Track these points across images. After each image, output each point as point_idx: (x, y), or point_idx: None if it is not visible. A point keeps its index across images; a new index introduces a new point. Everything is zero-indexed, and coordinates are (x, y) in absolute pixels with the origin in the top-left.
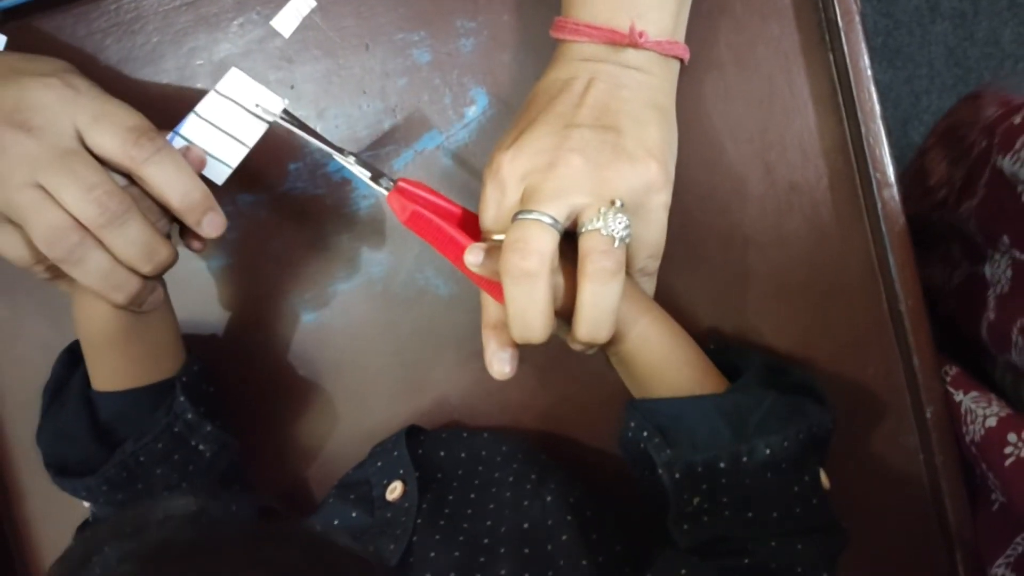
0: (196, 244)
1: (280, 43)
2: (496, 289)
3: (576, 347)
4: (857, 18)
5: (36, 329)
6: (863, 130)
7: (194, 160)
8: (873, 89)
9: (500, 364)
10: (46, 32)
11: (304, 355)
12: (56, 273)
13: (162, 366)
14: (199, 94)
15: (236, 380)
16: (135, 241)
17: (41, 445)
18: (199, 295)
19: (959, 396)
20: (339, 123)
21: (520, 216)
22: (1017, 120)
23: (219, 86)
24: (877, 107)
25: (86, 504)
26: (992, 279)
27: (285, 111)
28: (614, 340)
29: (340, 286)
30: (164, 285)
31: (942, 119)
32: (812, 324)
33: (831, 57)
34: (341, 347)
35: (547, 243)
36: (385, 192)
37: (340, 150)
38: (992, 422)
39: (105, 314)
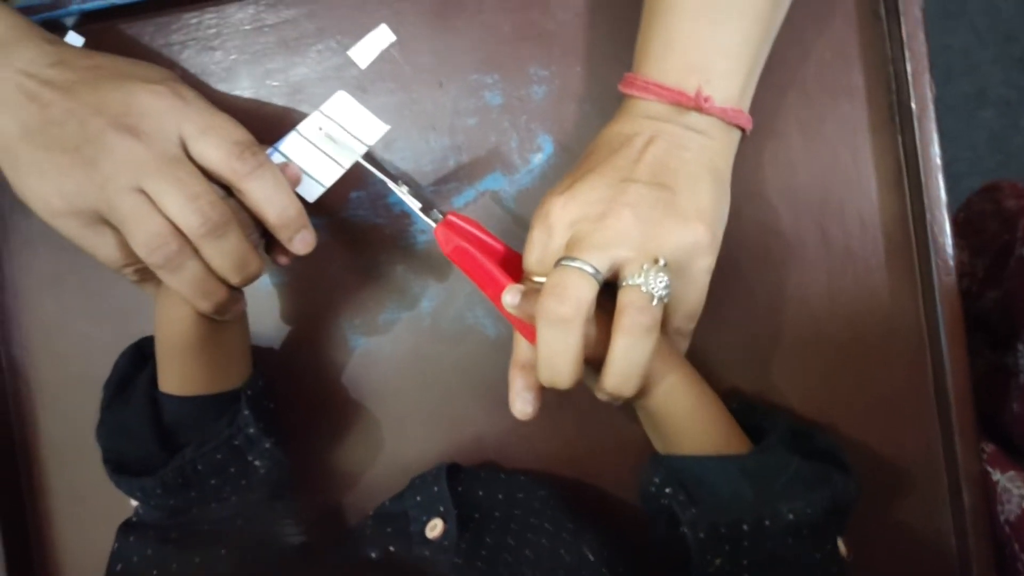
0: (282, 259)
1: (356, 73)
2: (530, 331)
3: (602, 396)
4: (931, 105)
5: (79, 325)
6: (928, 217)
7: (291, 177)
8: (941, 178)
9: (523, 404)
10: (126, 38)
11: (348, 380)
12: (144, 276)
13: (230, 376)
14: (273, 112)
15: (279, 396)
16: (230, 252)
17: (100, 440)
18: (251, 310)
19: (996, 475)
20: (405, 155)
21: (563, 262)
22: None
23: (324, 107)
24: (944, 195)
25: (133, 503)
26: (1014, 369)
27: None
28: (641, 394)
29: (390, 315)
30: (244, 297)
31: (959, 210)
32: (854, 393)
33: (899, 139)
34: (385, 375)
35: (585, 292)
36: (433, 224)
37: (394, 179)
38: None
39: (188, 319)
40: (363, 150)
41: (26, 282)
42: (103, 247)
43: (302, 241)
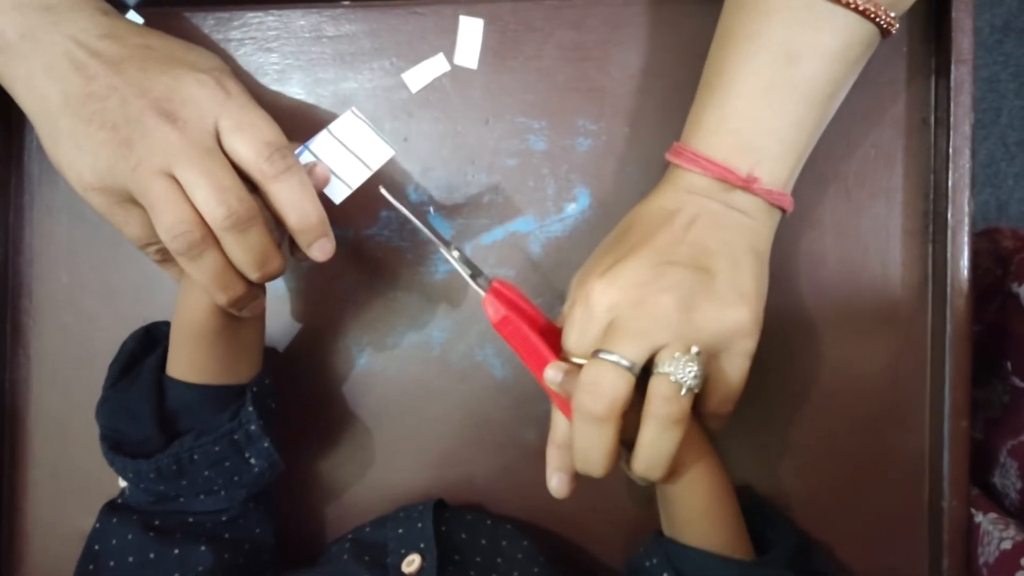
0: (300, 254)
1: (405, 96)
2: (569, 407)
3: (633, 476)
4: (967, 219)
5: (88, 301)
6: (949, 328)
7: (319, 176)
8: (968, 292)
9: (559, 484)
10: (185, 26)
11: (347, 396)
12: (166, 256)
13: (240, 371)
14: (317, 118)
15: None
16: (252, 248)
17: (100, 417)
18: None
19: (978, 516)
20: (440, 184)
21: (600, 355)
22: None
23: (354, 108)
24: (967, 308)
25: (122, 483)
26: (983, 403)
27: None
28: (666, 477)
29: (399, 339)
30: (264, 295)
31: None
32: (849, 502)
33: (930, 248)
34: (384, 398)
35: (620, 390)
36: (482, 292)
37: (446, 243)
38: (1007, 545)
39: (206, 309)
40: (391, 153)
41: (43, 251)
42: (130, 225)
43: (320, 248)
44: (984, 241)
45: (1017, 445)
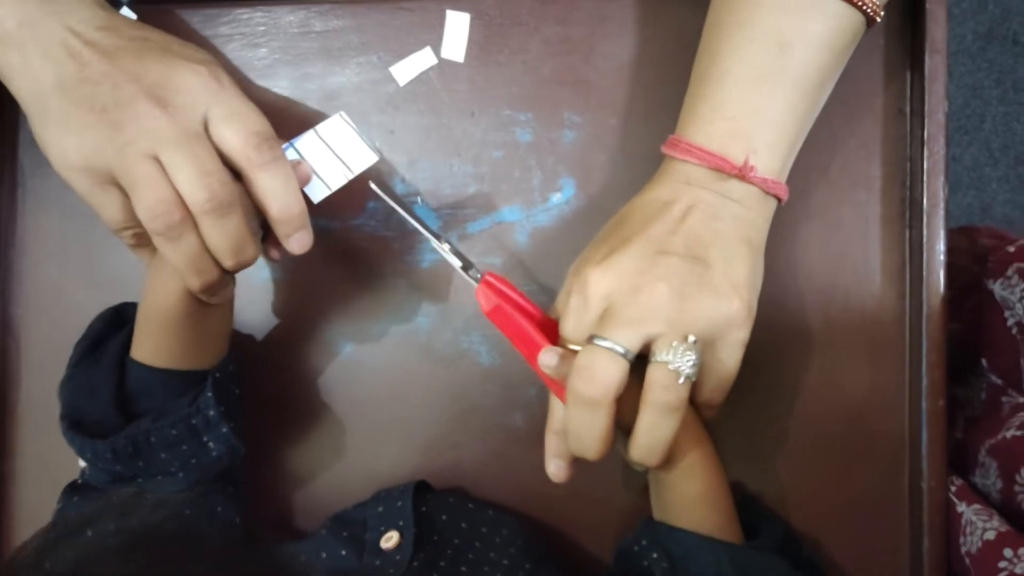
0: (274, 253)
1: (392, 89)
2: (564, 394)
3: (630, 461)
4: (942, 204)
5: (76, 293)
6: (925, 310)
7: (301, 175)
8: (943, 275)
9: (557, 469)
10: (174, 21)
11: (331, 385)
12: (140, 241)
13: (203, 357)
14: (303, 113)
15: (259, 389)
16: (230, 234)
17: (62, 395)
18: (247, 299)
19: (961, 507)
20: (426, 176)
21: (595, 340)
22: (1012, 249)
23: (343, 112)
24: (943, 292)
25: (81, 464)
26: (963, 401)
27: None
28: (662, 464)
29: (384, 328)
30: (234, 283)
31: None
32: (829, 485)
33: (907, 234)
34: (369, 386)
35: (614, 375)
36: (473, 283)
37: (437, 236)
38: (991, 535)
39: (176, 293)
40: (373, 159)
41: (34, 244)
42: (108, 207)
43: (298, 241)
44: (962, 239)
45: (996, 444)
